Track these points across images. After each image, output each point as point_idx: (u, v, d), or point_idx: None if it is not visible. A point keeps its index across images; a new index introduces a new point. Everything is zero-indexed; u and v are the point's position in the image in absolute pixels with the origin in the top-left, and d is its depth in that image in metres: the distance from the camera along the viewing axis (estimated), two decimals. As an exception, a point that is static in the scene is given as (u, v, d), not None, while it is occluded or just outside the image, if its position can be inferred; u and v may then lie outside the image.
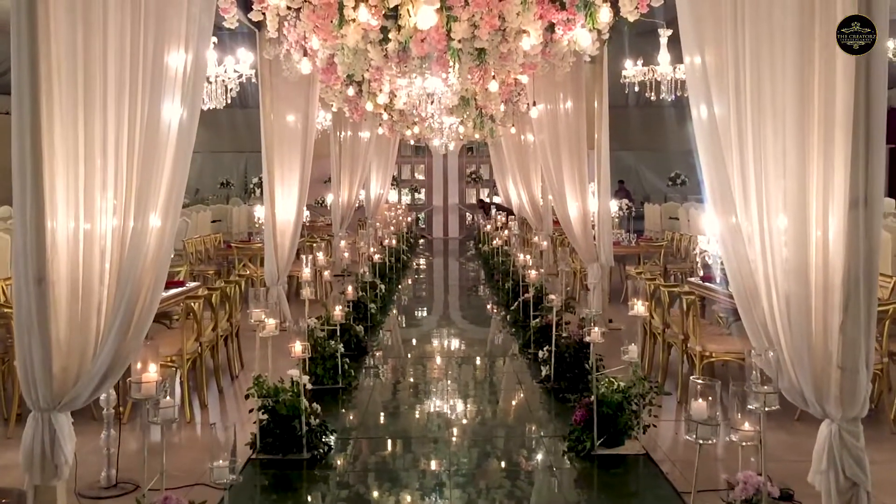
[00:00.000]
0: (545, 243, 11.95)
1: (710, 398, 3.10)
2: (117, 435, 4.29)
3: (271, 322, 4.99)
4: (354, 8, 4.83)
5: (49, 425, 3.42)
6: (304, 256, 7.16)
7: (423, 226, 23.45)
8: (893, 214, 12.36)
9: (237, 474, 2.84)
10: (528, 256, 8.92)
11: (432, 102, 7.87)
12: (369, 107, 8.14)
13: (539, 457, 5.03)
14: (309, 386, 4.95)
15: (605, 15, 4.84)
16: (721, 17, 3.49)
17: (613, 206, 10.02)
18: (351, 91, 7.79)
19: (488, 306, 11.14)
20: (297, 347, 4.67)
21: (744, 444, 3.20)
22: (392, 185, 20.94)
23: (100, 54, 3.37)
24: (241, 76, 8.71)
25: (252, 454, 4.69)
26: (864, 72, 3.10)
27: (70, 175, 3.38)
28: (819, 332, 3.31)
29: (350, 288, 7.79)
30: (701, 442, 3.11)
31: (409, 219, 19.83)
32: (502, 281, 11.09)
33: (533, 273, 8.03)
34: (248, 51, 8.61)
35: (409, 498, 4.33)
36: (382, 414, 5.96)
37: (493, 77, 6.46)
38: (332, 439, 5.02)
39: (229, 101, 8.95)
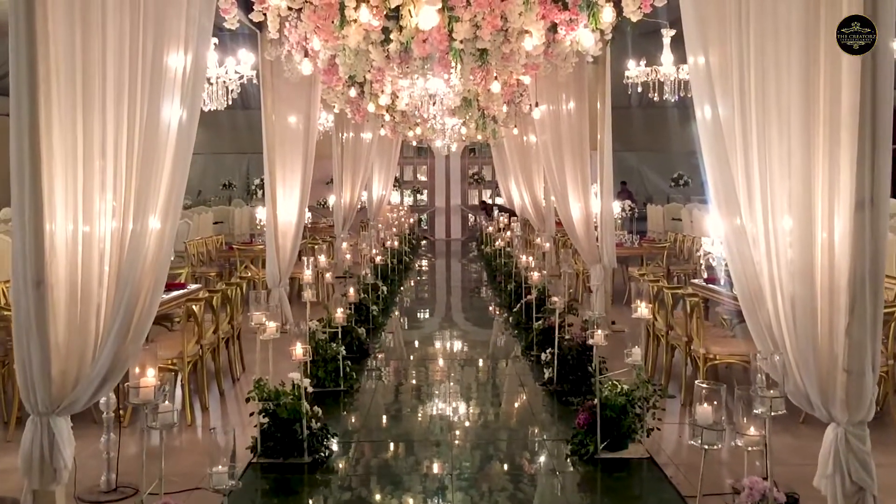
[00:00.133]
0: (548, 245, 11.91)
1: (715, 402, 3.06)
2: (117, 439, 4.27)
3: (272, 325, 4.96)
4: (355, 8, 4.80)
5: (48, 429, 3.40)
6: (305, 258, 7.13)
7: (426, 227, 23.43)
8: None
9: (237, 480, 2.81)
10: (530, 258, 8.88)
11: (434, 103, 7.84)
12: (371, 108, 8.11)
13: (542, 460, 5.00)
14: (310, 389, 4.93)
15: (607, 15, 4.81)
16: (725, 16, 3.46)
17: (616, 207, 9.98)
18: (353, 92, 7.76)
19: (490, 308, 11.11)
20: (298, 350, 4.64)
21: (749, 448, 3.16)
22: (394, 186, 20.91)
23: (99, 55, 3.35)
24: (241, 77, 8.68)
25: (253, 458, 4.66)
26: (870, 71, 3.08)
27: (69, 177, 3.36)
28: (825, 334, 3.28)
29: (352, 290, 7.76)
30: (706, 447, 3.07)
31: (412, 220, 19.81)
32: (504, 283, 11.06)
33: (535, 275, 8.00)
34: (249, 52, 8.58)
35: (411, 501, 4.30)
36: (384, 417, 5.93)
37: (496, 78, 6.42)
38: (333, 442, 4.99)
39: (230, 103, 8.91)
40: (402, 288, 12.68)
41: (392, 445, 5.27)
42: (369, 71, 6.32)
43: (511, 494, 4.38)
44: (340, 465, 4.81)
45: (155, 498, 3.47)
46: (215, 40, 8.22)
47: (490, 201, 22.58)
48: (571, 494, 4.46)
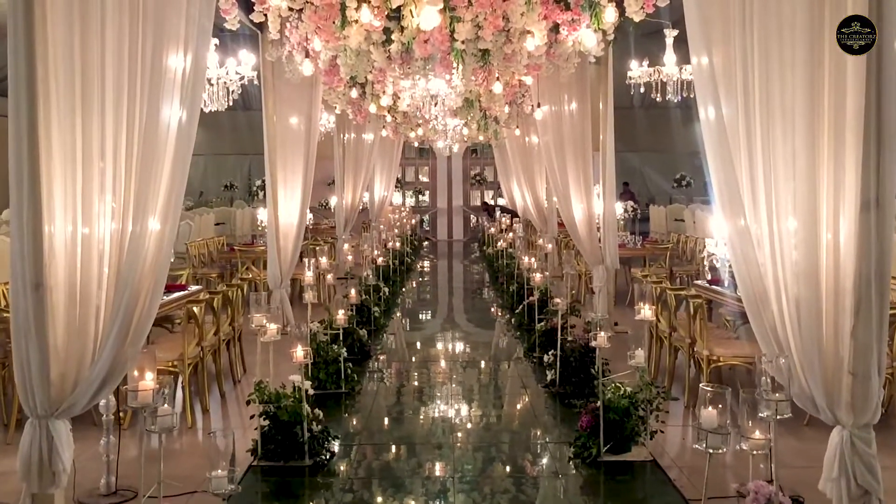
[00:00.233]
0: (550, 246, 11.89)
1: (720, 406, 3.03)
2: (117, 441, 4.24)
3: (273, 327, 4.94)
4: (357, 9, 4.78)
5: (47, 432, 3.38)
6: (306, 260, 7.11)
7: (427, 228, 23.41)
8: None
9: (236, 484, 2.79)
10: (532, 259, 8.85)
11: (436, 104, 7.82)
12: (372, 109, 8.09)
13: (544, 463, 4.97)
14: (311, 391, 4.90)
15: (610, 15, 4.77)
16: (729, 16, 3.43)
17: (619, 208, 9.95)
18: (354, 93, 7.74)
19: (492, 309, 11.08)
20: (299, 352, 4.61)
21: (755, 452, 3.13)
22: (396, 187, 20.88)
23: (98, 56, 3.33)
24: (242, 78, 8.66)
25: (253, 461, 4.64)
26: (874, 71, 3.05)
27: (68, 178, 3.34)
28: (830, 336, 3.25)
29: (353, 291, 7.73)
30: (711, 451, 3.04)
31: (413, 221, 19.78)
32: (507, 284, 11.03)
33: (538, 276, 7.97)
34: (250, 52, 8.56)
35: (412, 505, 4.28)
36: (386, 419, 5.90)
37: (497, 78, 6.39)
38: (335, 445, 4.96)
39: (231, 104, 8.90)
40: (403, 289, 12.66)
41: (393, 448, 5.24)
42: (370, 71, 6.30)
43: (513, 497, 4.35)
44: (342, 468, 4.78)
45: (154, 501, 3.44)
46: (216, 41, 8.21)
47: (492, 202, 22.55)
48: (574, 498, 4.42)
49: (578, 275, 10.46)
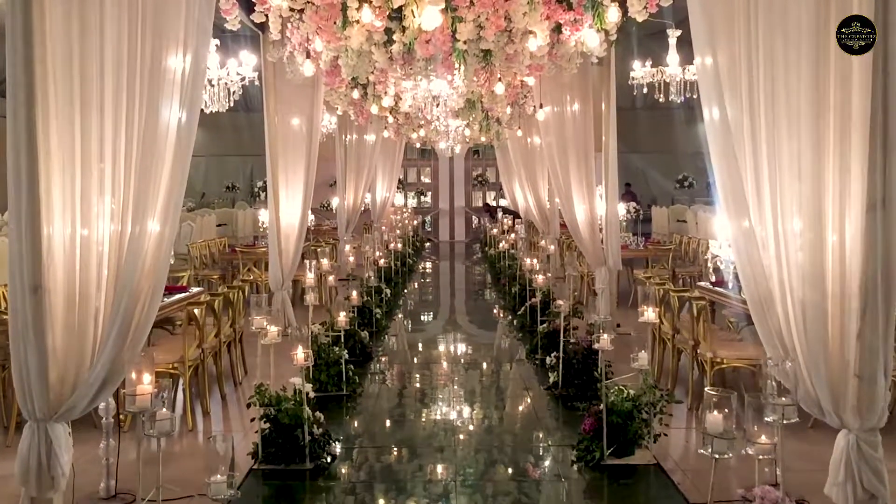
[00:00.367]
0: (552, 247, 11.85)
1: (725, 410, 2.99)
2: (117, 444, 4.21)
3: (273, 329, 4.91)
4: (358, 9, 4.75)
5: (45, 436, 3.35)
6: (307, 261, 7.08)
7: (429, 229, 23.37)
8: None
9: (235, 489, 2.75)
10: (534, 260, 8.82)
11: (438, 105, 7.79)
12: (374, 109, 8.06)
13: (547, 466, 4.93)
14: (312, 394, 4.88)
15: (613, 15, 4.74)
16: (733, 15, 3.41)
17: (621, 209, 9.91)
18: (356, 94, 7.71)
19: (494, 311, 11.05)
20: (300, 355, 4.58)
21: (760, 457, 3.09)
22: (398, 188, 20.85)
23: (97, 56, 3.31)
24: (244, 79, 8.63)
25: (254, 464, 4.61)
26: (881, 71, 3.02)
27: (66, 180, 3.32)
28: (836, 339, 3.22)
29: (355, 293, 7.70)
30: (717, 456, 3.00)
31: (415, 222, 19.75)
32: (509, 285, 11.00)
33: (540, 278, 7.94)
34: (251, 53, 8.54)
35: (414, 508, 4.25)
36: (387, 421, 5.88)
37: (499, 79, 6.36)
38: (336, 447, 4.93)
39: (232, 105, 8.86)
40: (405, 290, 12.64)
41: (395, 450, 5.21)
42: (372, 72, 6.27)
43: (515, 501, 4.32)
44: (343, 471, 4.75)
45: (153, 506, 3.42)
46: (217, 42, 8.18)
47: (493, 203, 22.52)
48: (577, 501, 4.39)
49: (581, 276, 10.43)
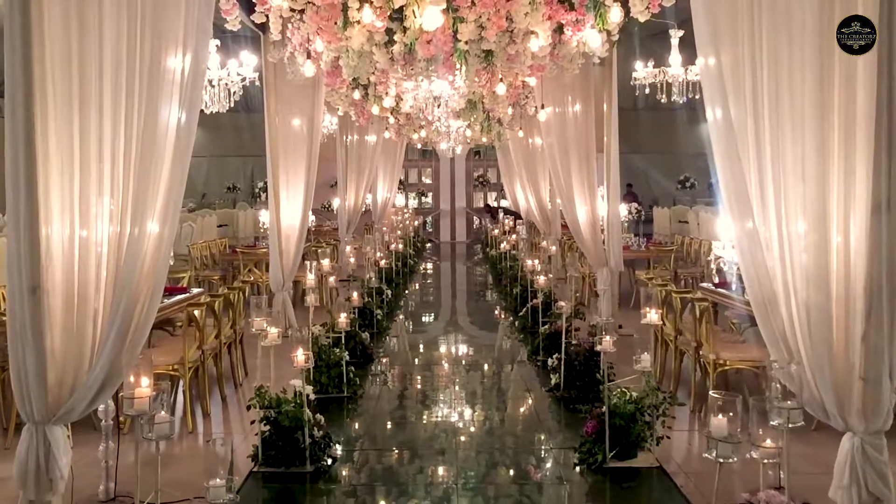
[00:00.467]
0: (553, 248, 11.82)
1: (730, 414, 2.96)
2: (116, 447, 4.19)
3: (273, 331, 4.88)
4: (358, 9, 4.72)
5: (44, 438, 3.32)
6: (308, 262, 7.06)
7: (430, 230, 23.35)
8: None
9: (234, 493, 2.73)
10: (536, 261, 8.79)
11: (439, 105, 7.76)
12: (375, 110, 8.03)
13: (549, 469, 4.91)
14: (312, 396, 4.85)
15: (615, 15, 4.71)
16: (737, 15, 3.38)
17: (623, 210, 9.88)
18: (356, 94, 7.68)
19: (496, 312, 11.03)
20: (300, 357, 4.55)
21: (765, 461, 3.06)
22: (399, 189, 20.83)
23: (96, 56, 3.28)
24: (244, 79, 8.61)
25: (254, 467, 4.58)
26: (886, 71, 3.00)
27: (65, 180, 3.29)
28: (840, 341, 3.19)
29: (355, 294, 7.68)
30: (721, 461, 2.97)
31: (416, 223, 19.73)
32: (510, 286, 10.97)
33: (541, 279, 7.91)
34: (251, 54, 8.52)
35: (415, 511, 4.22)
36: (388, 423, 5.84)
37: (501, 79, 6.34)
38: (337, 450, 4.91)
39: (233, 105, 8.85)
40: (406, 291, 12.61)
41: (396, 453, 5.18)
42: (373, 73, 6.25)
43: (517, 502, 4.29)
44: (343, 474, 4.72)
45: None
46: (217, 42, 8.16)
47: (495, 204, 22.49)
48: (579, 504, 4.37)
49: (582, 277, 10.40)
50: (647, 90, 10.44)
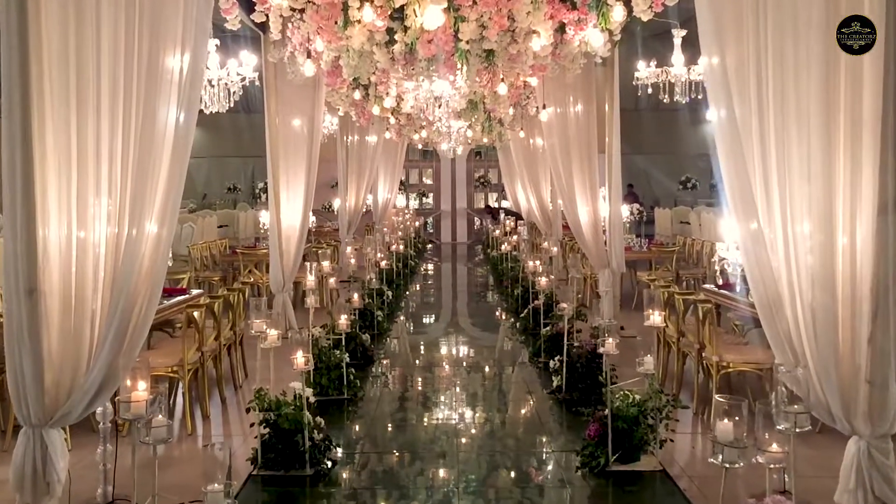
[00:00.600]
0: (555, 249, 11.79)
1: (736, 418, 2.92)
2: (114, 450, 4.15)
3: (273, 333, 4.85)
4: (359, 8, 4.69)
5: (41, 441, 3.29)
6: (308, 263, 7.03)
7: (431, 231, 23.31)
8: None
9: (233, 498, 2.69)
10: (537, 262, 8.76)
11: (440, 106, 7.73)
12: (376, 110, 8.00)
13: (551, 472, 4.86)
14: (312, 398, 4.81)
15: (618, 14, 4.67)
16: (742, 14, 3.34)
17: (624, 210, 9.85)
18: (357, 94, 7.65)
19: (497, 313, 10.99)
20: (300, 359, 4.51)
21: (771, 465, 3.02)
22: (400, 189, 20.81)
23: (93, 54, 3.24)
24: (244, 79, 8.58)
25: (253, 470, 4.54)
26: (892, 69, 2.96)
27: (62, 180, 3.25)
28: (846, 343, 3.16)
29: (356, 295, 7.64)
30: (727, 466, 2.93)
31: (417, 224, 19.70)
32: (511, 287, 10.93)
33: (543, 280, 7.87)
34: (251, 54, 8.49)
35: (415, 515, 4.19)
36: (388, 426, 5.80)
37: (502, 79, 6.30)
38: (337, 452, 4.87)
39: (232, 105, 8.82)
40: (407, 292, 12.58)
41: (396, 455, 5.14)
42: (374, 73, 6.21)
43: (519, 507, 4.25)
44: (343, 477, 4.68)
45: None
46: (217, 42, 8.13)
47: (496, 205, 22.46)
48: (582, 508, 4.33)
49: (584, 278, 10.36)
50: (650, 90, 10.41)
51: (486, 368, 7.67)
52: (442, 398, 6.48)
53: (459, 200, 23.04)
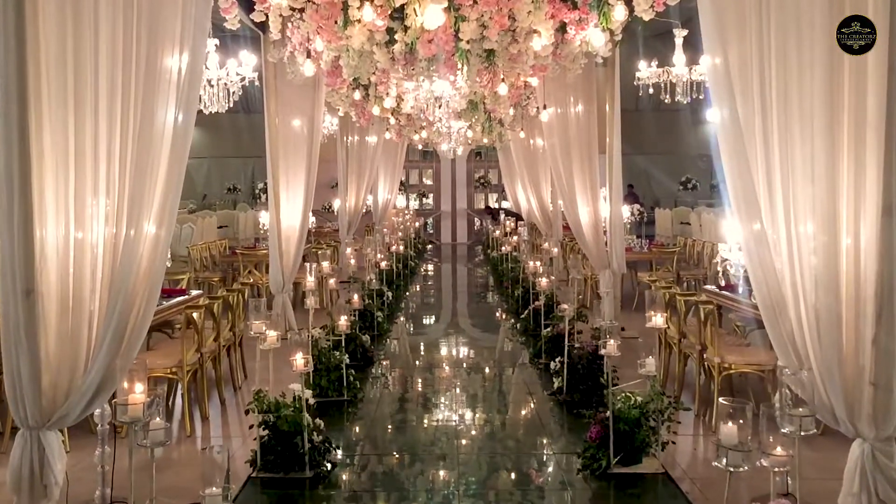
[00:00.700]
0: (555, 249, 11.76)
1: (741, 421, 2.89)
2: (112, 452, 4.12)
3: (272, 334, 4.82)
4: (359, 8, 4.66)
5: (38, 444, 3.28)
6: (308, 264, 7.00)
7: (431, 231, 23.28)
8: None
9: (231, 502, 2.66)
10: (537, 263, 8.73)
11: (440, 106, 7.70)
12: (376, 111, 7.98)
13: (552, 474, 4.83)
14: (312, 400, 4.78)
15: (619, 13, 4.65)
16: (745, 13, 3.33)
17: (625, 211, 9.83)
18: (357, 95, 7.63)
19: (497, 314, 10.96)
20: (299, 361, 4.48)
21: (776, 469, 3.00)
22: (400, 190, 20.78)
23: (91, 53, 3.23)
24: (243, 79, 8.56)
25: (252, 472, 4.51)
26: (897, 70, 2.93)
27: (60, 180, 3.24)
28: (850, 345, 3.15)
29: (356, 296, 7.62)
30: (732, 469, 2.90)
31: (417, 224, 19.67)
32: (511, 288, 10.91)
33: (543, 281, 7.84)
34: (251, 53, 8.47)
35: (416, 517, 4.16)
36: (389, 427, 5.77)
37: (503, 80, 6.27)
38: (337, 455, 4.85)
39: (232, 105, 8.79)
40: (407, 293, 12.55)
41: (396, 457, 5.11)
42: (374, 73, 6.19)
43: (520, 510, 4.23)
44: (343, 479, 4.65)
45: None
46: (216, 42, 8.11)
47: (496, 205, 22.43)
48: (583, 510, 4.30)
49: (584, 279, 10.33)
50: (651, 90, 10.39)
51: (487, 370, 7.64)
52: (442, 400, 6.45)
53: (459, 201, 23.01)
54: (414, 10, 4.56)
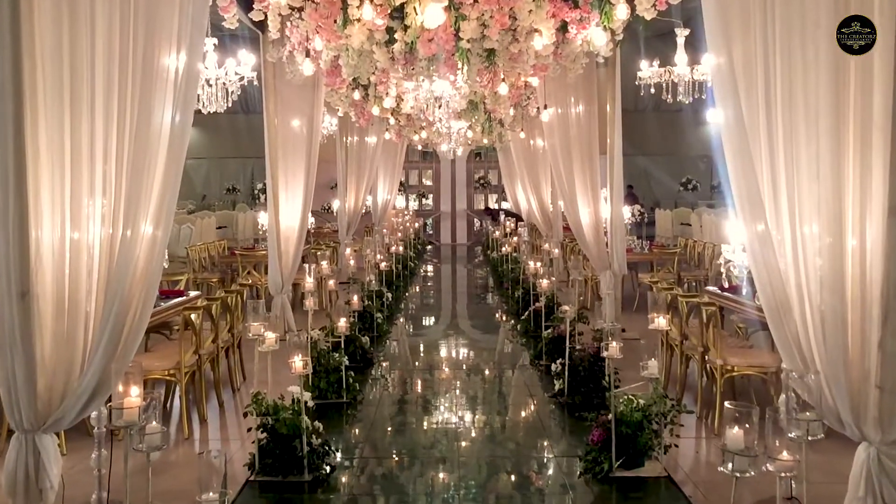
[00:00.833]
0: (556, 250, 11.72)
1: (746, 426, 2.84)
2: (109, 455, 4.07)
3: (271, 336, 4.78)
4: (359, 7, 4.63)
5: (33, 447, 3.23)
6: (307, 265, 6.96)
7: (431, 232, 23.25)
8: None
9: (228, 507, 2.62)
10: (538, 264, 8.69)
11: (440, 106, 7.66)
12: (375, 111, 7.94)
13: (553, 477, 4.79)
14: (311, 402, 4.74)
15: (621, 12, 4.61)
16: (749, 11, 3.28)
17: (626, 212, 9.79)
18: (357, 95, 7.59)
19: (497, 315, 10.92)
20: (298, 363, 4.43)
21: (782, 474, 2.95)
22: (399, 190, 20.74)
23: (87, 51, 3.18)
24: (242, 79, 8.52)
25: (250, 476, 4.47)
26: (903, 69, 2.89)
27: (56, 180, 3.18)
28: (856, 347, 3.10)
29: (355, 297, 7.58)
30: (738, 475, 2.86)
31: (417, 225, 19.63)
32: (512, 289, 10.87)
33: (544, 282, 7.80)
34: (250, 53, 8.43)
35: (416, 521, 4.12)
36: (388, 430, 5.73)
37: (503, 80, 6.23)
38: (336, 457, 4.81)
39: (230, 105, 8.75)
40: (407, 294, 12.51)
41: (396, 460, 5.07)
42: (373, 73, 6.15)
43: (521, 513, 4.19)
44: (342, 483, 4.61)
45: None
46: (215, 41, 8.07)
47: (496, 206, 22.40)
48: (584, 514, 4.26)
49: (585, 280, 10.29)
50: (653, 90, 10.35)
51: (487, 371, 7.60)
52: (442, 401, 6.41)
53: (459, 201, 22.98)
54: (414, 8, 4.53)
